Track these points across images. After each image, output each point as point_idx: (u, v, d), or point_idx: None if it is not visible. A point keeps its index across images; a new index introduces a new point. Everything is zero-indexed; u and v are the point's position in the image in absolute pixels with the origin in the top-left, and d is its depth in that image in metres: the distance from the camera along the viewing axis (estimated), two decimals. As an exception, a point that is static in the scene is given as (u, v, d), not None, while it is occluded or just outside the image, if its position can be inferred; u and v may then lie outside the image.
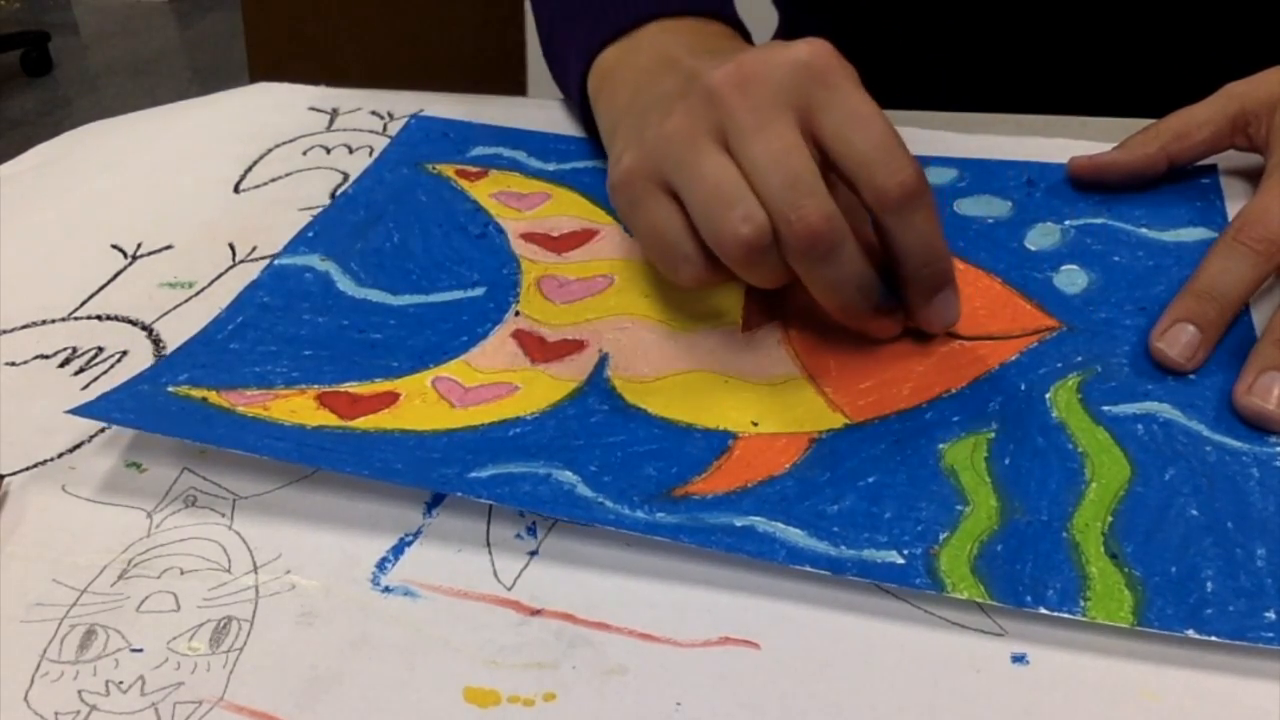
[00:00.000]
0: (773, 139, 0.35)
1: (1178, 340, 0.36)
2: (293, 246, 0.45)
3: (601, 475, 0.33)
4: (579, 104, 0.50)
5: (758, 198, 0.35)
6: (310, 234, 0.46)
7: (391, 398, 0.37)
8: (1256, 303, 0.38)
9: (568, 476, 0.33)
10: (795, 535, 0.31)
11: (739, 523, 0.31)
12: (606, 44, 0.48)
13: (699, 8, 0.48)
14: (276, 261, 0.44)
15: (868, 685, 0.28)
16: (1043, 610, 0.28)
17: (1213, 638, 0.28)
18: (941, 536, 0.31)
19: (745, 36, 0.49)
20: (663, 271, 0.39)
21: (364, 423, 0.35)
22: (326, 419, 0.36)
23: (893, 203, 0.35)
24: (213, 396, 0.37)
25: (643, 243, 0.39)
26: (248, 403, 0.36)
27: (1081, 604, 0.29)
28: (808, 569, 0.30)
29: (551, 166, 0.51)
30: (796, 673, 0.28)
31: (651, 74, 0.43)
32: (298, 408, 0.36)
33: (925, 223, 0.35)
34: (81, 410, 0.35)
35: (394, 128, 0.55)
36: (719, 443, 0.34)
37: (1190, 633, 0.28)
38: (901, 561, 0.30)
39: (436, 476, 0.33)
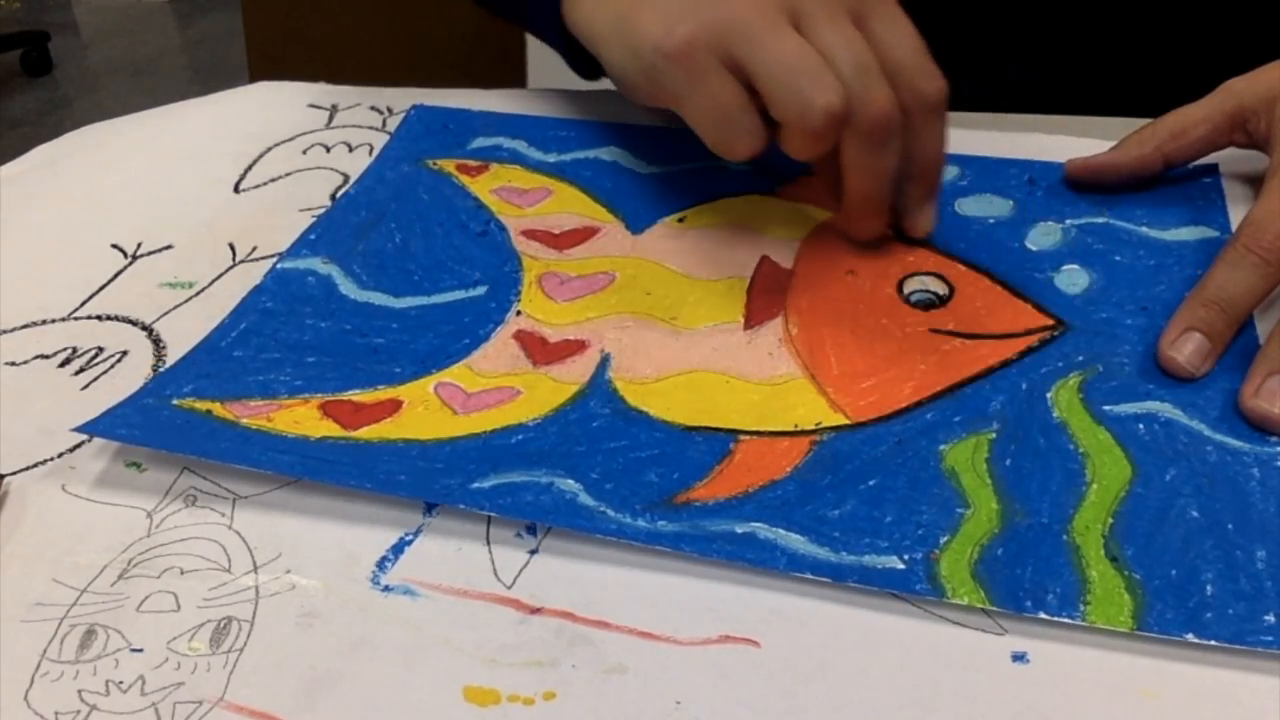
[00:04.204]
0: (841, 28, 0.38)
1: (1185, 348, 0.36)
2: (295, 249, 0.45)
3: (603, 483, 0.33)
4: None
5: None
6: (312, 236, 0.46)
7: (394, 405, 0.37)
8: (1260, 305, 0.38)
9: (570, 485, 0.33)
10: (796, 541, 0.31)
11: (740, 530, 0.31)
12: None
13: None
14: (279, 265, 0.44)
15: (868, 684, 0.28)
16: (1043, 616, 0.28)
17: (1212, 642, 0.27)
18: (942, 540, 0.31)
19: None
20: (713, 145, 0.40)
21: (367, 433, 0.35)
22: (330, 429, 0.36)
23: (929, 105, 0.39)
24: (217, 409, 0.37)
25: (695, 115, 0.40)
26: (252, 414, 0.36)
27: (1081, 608, 0.28)
28: (809, 576, 0.30)
29: (552, 158, 0.51)
30: (796, 671, 0.28)
31: None
32: (301, 418, 0.36)
33: (943, 129, 0.40)
34: (87, 427, 0.35)
35: (393, 123, 0.55)
36: (720, 446, 0.34)
37: (1190, 637, 0.28)
38: (902, 567, 0.30)
39: (439, 488, 0.33)
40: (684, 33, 0.39)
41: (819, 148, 0.38)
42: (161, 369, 0.40)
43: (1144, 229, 0.43)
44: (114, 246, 0.47)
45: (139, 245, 0.47)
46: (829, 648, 0.29)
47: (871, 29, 0.39)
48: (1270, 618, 0.28)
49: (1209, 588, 0.29)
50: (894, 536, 0.31)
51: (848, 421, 0.35)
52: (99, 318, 0.43)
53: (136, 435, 0.35)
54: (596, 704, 0.28)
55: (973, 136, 0.49)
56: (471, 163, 0.51)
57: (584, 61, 0.50)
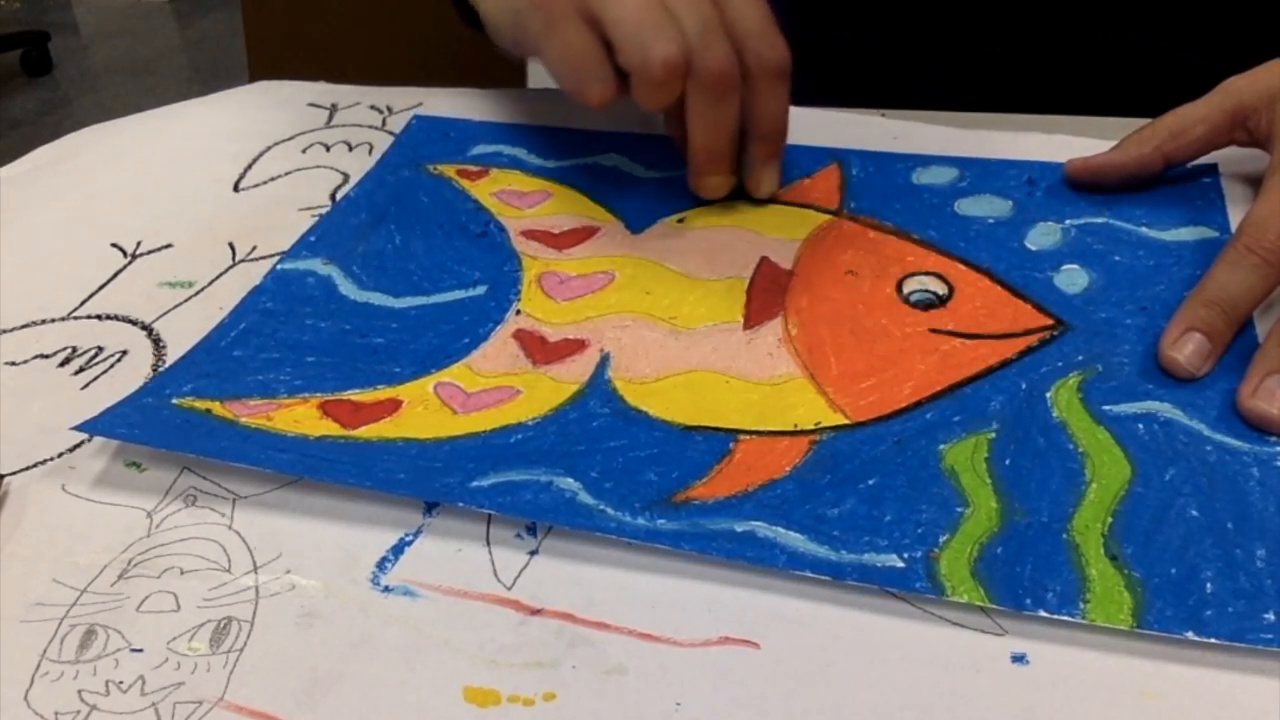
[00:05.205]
0: None
1: (1185, 349, 0.35)
2: (295, 251, 0.45)
3: (603, 481, 0.33)
4: None
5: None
6: (312, 238, 0.46)
7: (394, 405, 0.37)
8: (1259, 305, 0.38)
9: (569, 484, 0.33)
10: (795, 540, 0.31)
11: (739, 528, 0.31)
12: None
13: None
14: (279, 266, 0.44)
15: (868, 685, 0.28)
16: (1042, 613, 0.28)
17: (1212, 639, 0.28)
18: (941, 539, 0.31)
19: None
20: (567, 89, 0.43)
21: (366, 432, 0.35)
22: (330, 429, 0.36)
23: (772, 71, 0.42)
24: (216, 408, 0.37)
25: (552, 60, 0.43)
26: (251, 413, 0.36)
27: (1081, 606, 0.28)
28: (808, 574, 0.30)
29: (553, 164, 0.51)
30: (796, 673, 0.28)
31: None
32: (301, 417, 0.36)
33: (785, 94, 0.44)
34: (86, 426, 0.35)
35: (393, 122, 0.55)
36: (720, 445, 0.34)
37: (1190, 634, 0.28)
38: (901, 565, 0.30)
39: (439, 486, 0.33)
40: None
41: (662, 96, 0.41)
42: (161, 368, 0.40)
43: (1144, 229, 0.43)
44: (114, 246, 0.47)
45: (139, 245, 0.47)
46: (829, 649, 0.29)
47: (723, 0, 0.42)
48: (1270, 616, 0.28)
49: (1209, 586, 0.29)
50: (893, 535, 0.31)
51: (847, 421, 0.35)
52: (99, 317, 0.43)
53: (136, 434, 0.35)
54: (596, 705, 0.28)
55: (973, 136, 0.49)
56: (472, 168, 0.51)
57: (471, 15, 0.53)
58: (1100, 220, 0.43)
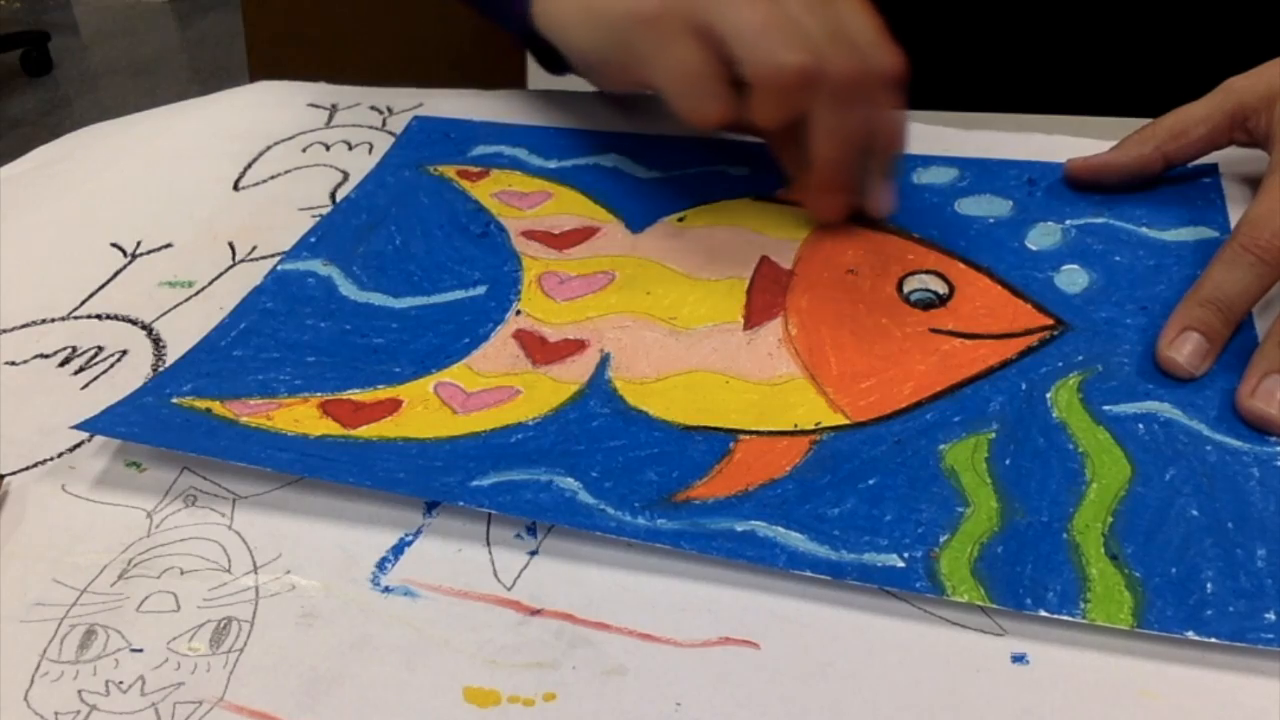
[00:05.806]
0: (806, 1, 0.39)
1: (1183, 348, 0.35)
2: (295, 252, 0.45)
3: (603, 481, 0.33)
4: None
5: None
6: (312, 239, 0.46)
7: (394, 405, 0.37)
8: (1259, 303, 0.38)
9: (569, 483, 0.33)
10: (795, 539, 0.31)
11: (739, 528, 0.31)
12: None
13: None
14: (279, 267, 0.44)
15: (868, 685, 0.28)
16: (1043, 613, 0.28)
17: (1212, 639, 0.28)
18: (942, 539, 0.31)
19: None
20: (681, 109, 0.41)
21: (367, 431, 0.35)
22: (330, 428, 0.36)
23: (887, 79, 0.40)
24: (216, 407, 0.37)
25: (664, 80, 0.41)
26: (251, 413, 0.36)
27: (1081, 606, 0.28)
28: (808, 574, 0.30)
29: (553, 164, 0.51)
30: (796, 673, 0.28)
31: None
32: (301, 417, 0.36)
33: (900, 105, 0.41)
34: (86, 425, 0.35)
35: (393, 122, 0.55)
36: (720, 445, 0.34)
37: (1190, 634, 0.28)
38: (902, 564, 0.30)
39: (439, 486, 0.33)
40: (655, 1, 0.40)
41: (787, 107, 0.39)
42: (161, 368, 0.40)
43: (1144, 229, 0.43)
44: (114, 245, 0.47)
45: (138, 244, 0.47)
46: (829, 650, 0.29)
47: (833, 7, 0.40)
48: (1271, 615, 0.28)
49: (1209, 585, 0.29)
50: (894, 535, 0.31)
51: (847, 421, 0.35)
52: (99, 317, 0.43)
53: (136, 433, 0.35)
54: (596, 705, 0.28)
55: (973, 136, 0.49)
56: (472, 169, 0.51)
57: (549, 56, 0.51)
58: (1100, 220, 0.43)
